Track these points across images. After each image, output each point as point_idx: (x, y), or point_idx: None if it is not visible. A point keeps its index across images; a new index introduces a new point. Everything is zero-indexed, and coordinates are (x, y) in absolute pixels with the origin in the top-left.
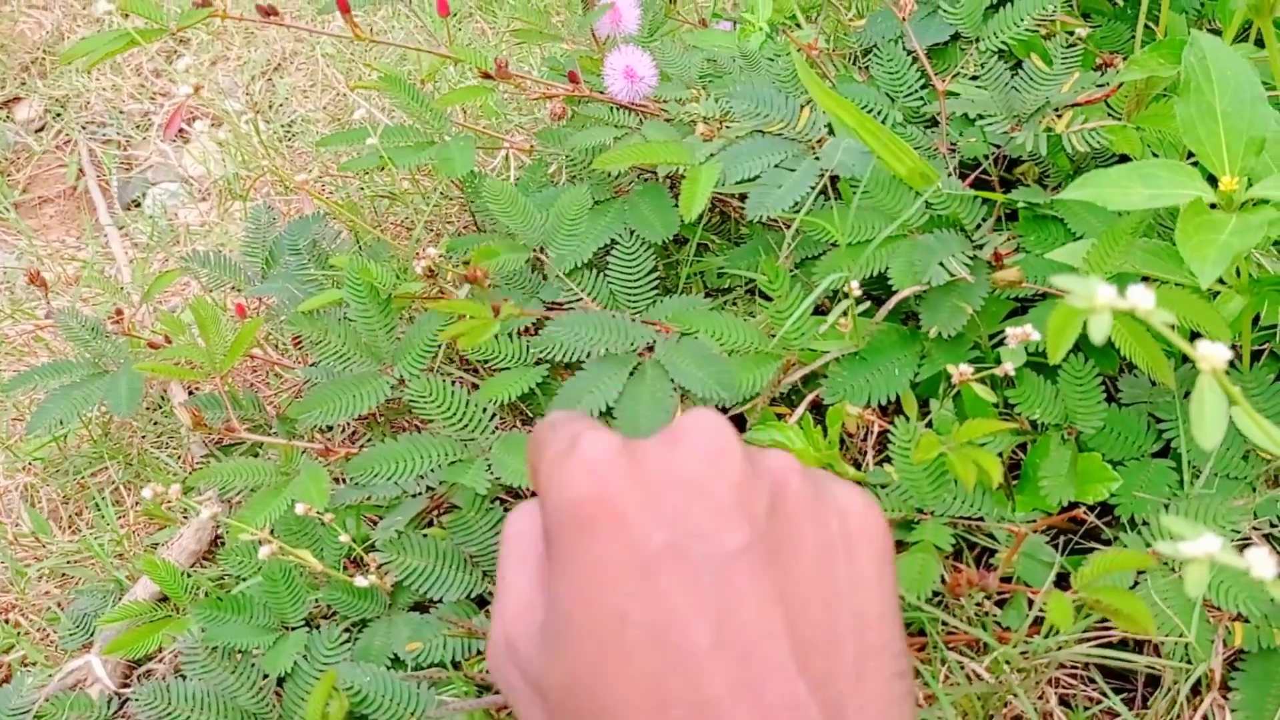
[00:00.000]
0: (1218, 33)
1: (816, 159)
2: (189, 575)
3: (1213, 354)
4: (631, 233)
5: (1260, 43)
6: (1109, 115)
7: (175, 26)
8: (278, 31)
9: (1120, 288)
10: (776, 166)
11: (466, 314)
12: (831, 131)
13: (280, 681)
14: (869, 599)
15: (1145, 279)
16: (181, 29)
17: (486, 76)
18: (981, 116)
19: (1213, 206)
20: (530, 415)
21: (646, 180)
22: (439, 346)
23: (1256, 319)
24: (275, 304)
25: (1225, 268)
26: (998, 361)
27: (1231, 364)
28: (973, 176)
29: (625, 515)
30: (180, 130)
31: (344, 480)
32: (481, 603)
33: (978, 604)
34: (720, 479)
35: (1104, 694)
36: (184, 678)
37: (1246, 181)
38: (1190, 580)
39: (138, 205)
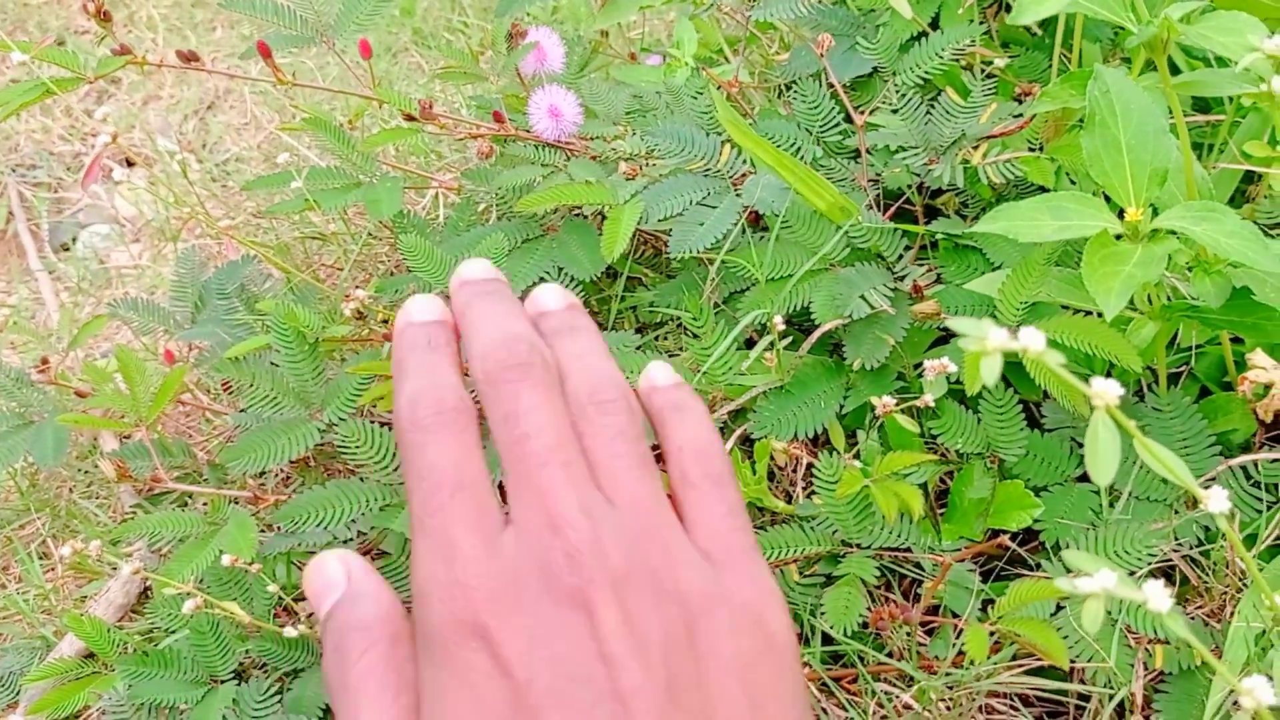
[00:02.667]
0: (1130, 60)
1: (738, 195)
2: (117, 630)
3: (1105, 391)
4: (560, 270)
5: (1176, 68)
6: (1028, 145)
7: (93, 75)
8: (210, 68)
9: (1034, 318)
10: (698, 204)
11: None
12: (753, 167)
13: None
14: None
15: (1064, 307)
16: (99, 77)
17: (410, 119)
18: (902, 149)
19: (1120, 238)
20: None
21: (575, 217)
22: (367, 389)
23: (1174, 341)
24: (205, 349)
25: (1127, 299)
26: (921, 391)
27: (1150, 387)
28: (894, 208)
29: (507, 660)
30: (109, 172)
31: (275, 528)
32: None
33: (907, 634)
34: (600, 612)
35: None
36: None
37: (1152, 212)
38: (1087, 616)
39: (68, 249)
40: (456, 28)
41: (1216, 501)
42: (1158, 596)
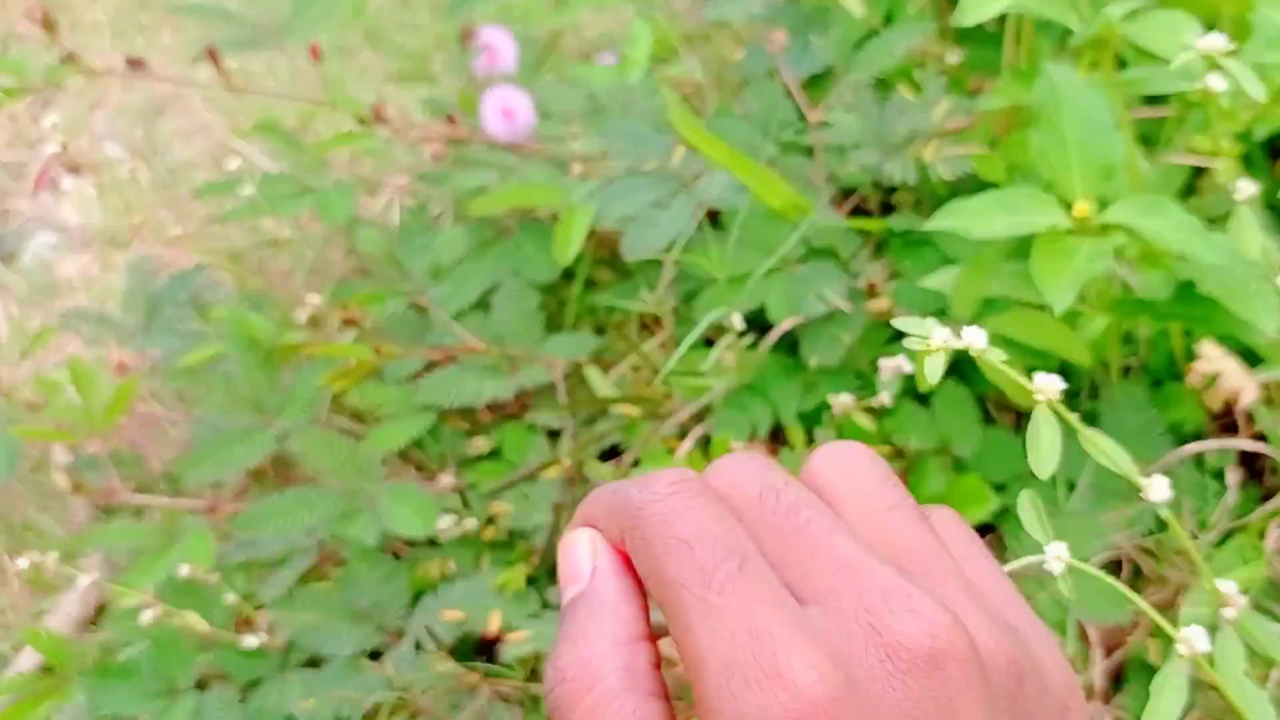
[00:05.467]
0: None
1: (691, 196)
2: (75, 643)
3: (1046, 386)
4: (515, 273)
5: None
6: (983, 141)
7: (40, 83)
8: (157, 74)
9: (988, 313)
10: (653, 205)
11: (349, 358)
12: (708, 166)
13: None
14: None
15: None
16: (47, 85)
17: (361, 122)
18: (856, 146)
19: (1070, 233)
20: (420, 461)
21: (530, 220)
22: (324, 396)
23: (1130, 336)
24: (158, 358)
25: (1075, 293)
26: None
27: (1102, 381)
28: (849, 204)
29: None
30: (54, 181)
31: (232, 538)
32: (376, 655)
33: None
34: (958, 688)
35: None
36: None
37: (1099, 207)
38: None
39: (15, 258)
40: (408, 28)
41: (1157, 491)
42: (1057, 557)
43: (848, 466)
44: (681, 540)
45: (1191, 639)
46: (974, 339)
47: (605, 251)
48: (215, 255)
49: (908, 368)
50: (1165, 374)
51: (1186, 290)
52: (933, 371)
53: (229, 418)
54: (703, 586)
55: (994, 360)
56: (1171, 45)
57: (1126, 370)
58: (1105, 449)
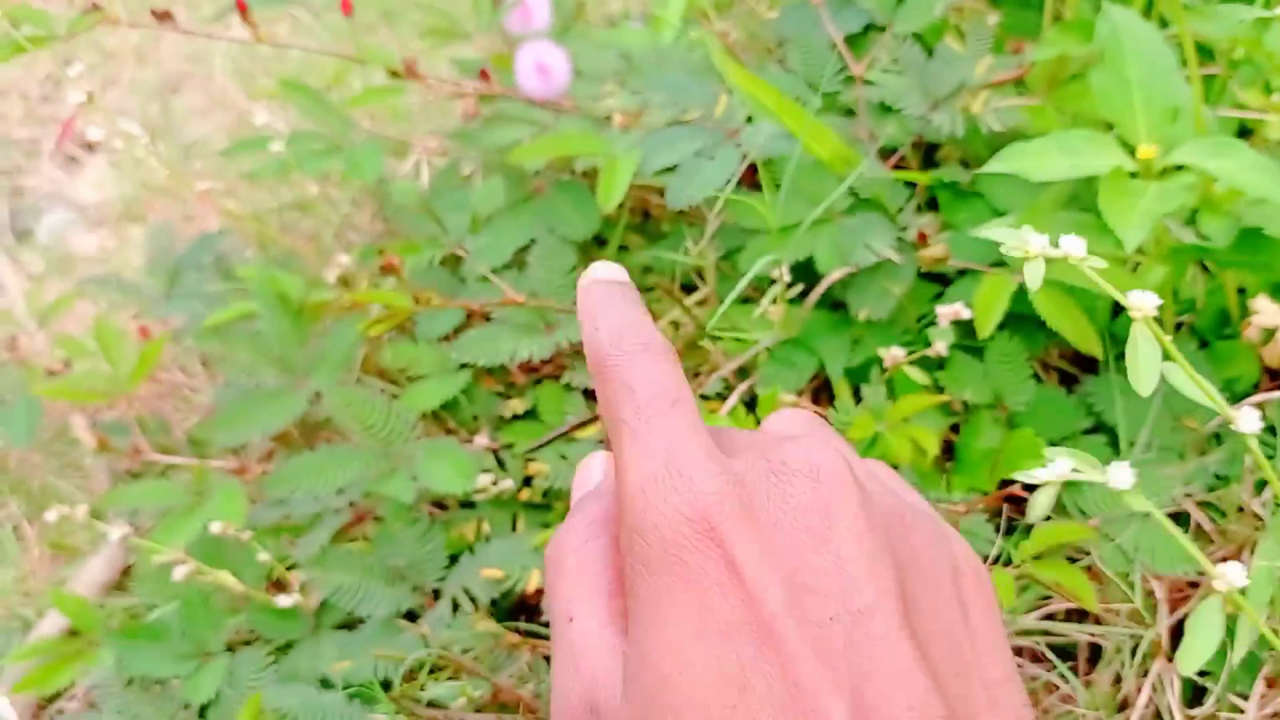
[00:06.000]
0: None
1: (737, 145)
2: (100, 607)
3: (1143, 303)
4: (551, 230)
5: (1164, 23)
6: (1023, 96)
7: (65, 33)
8: (171, 50)
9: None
10: (696, 155)
11: (385, 306)
12: (750, 119)
13: (203, 710)
14: (986, 640)
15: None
16: (72, 34)
17: (394, 75)
18: (900, 105)
19: (1133, 175)
20: (451, 426)
21: (564, 177)
22: (356, 356)
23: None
24: (181, 324)
25: (1148, 231)
26: (927, 344)
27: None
28: (893, 160)
29: (739, 566)
30: (81, 134)
31: (260, 501)
32: (411, 616)
33: None
34: (840, 525)
35: (1054, 665)
36: (100, 713)
37: (1164, 149)
38: (1040, 503)
39: (30, 235)
40: (423, 4)
41: (1247, 421)
42: (1119, 475)
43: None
44: (628, 386)
45: (1228, 574)
46: (1073, 247)
47: (638, 216)
48: (238, 219)
49: (965, 313)
50: (1215, 334)
51: (1251, 236)
52: (1034, 278)
53: (258, 378)
54: (637, 419)
55: (1092, 271)
56: None
57: (1178, 326)
58: (1193, 375)
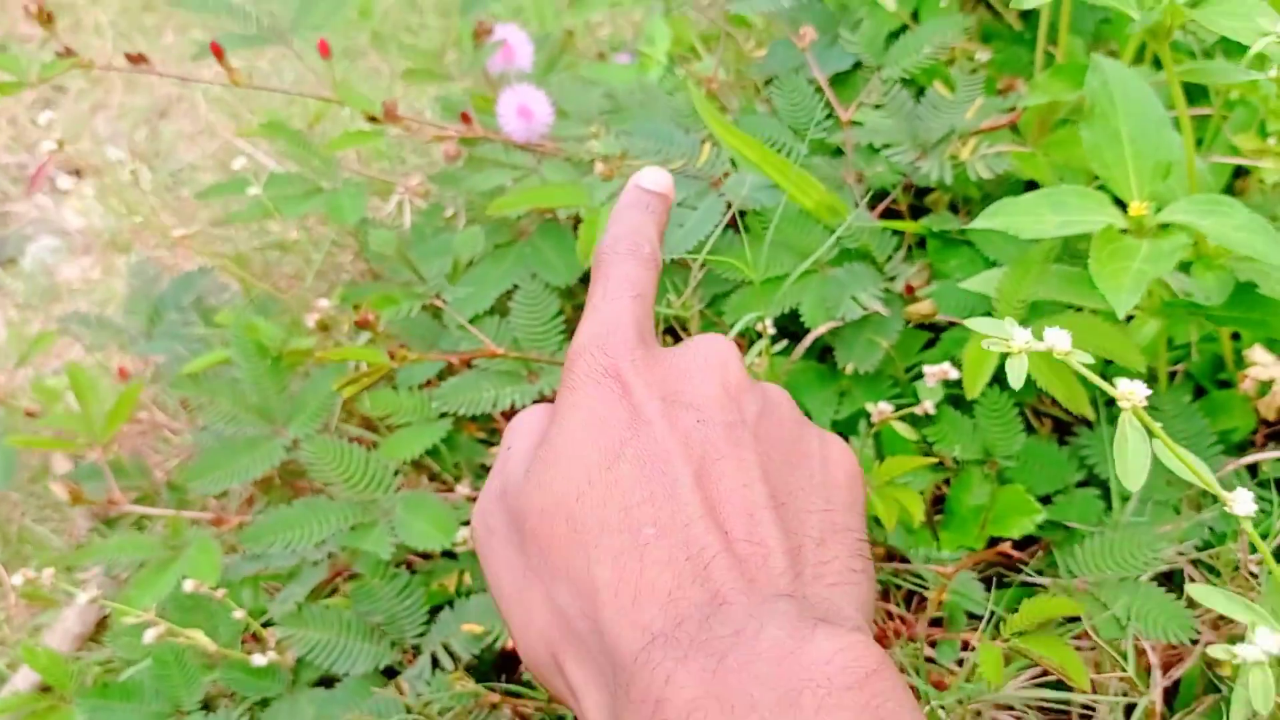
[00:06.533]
0: (1115, 54)
1: (720, 195)
2: (74, 660)
3: (1132, 391)
4: (534, 276)
5: (1158, 64)
6: (1014, 140)
7: (37, 79)
8: (160, 76)
9: (1034, 317)
10: (679, 205)
11: (361, 362)
12: (735, 166)
13: None
14: (838, 496)
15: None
16: (43, 81)
17: (373, 120)
18: (887, 145)
19: (1124, 233)
20: (435, 471)
21: (548, 221)
22: (335, 404)
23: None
24: (162, 364)
25: (1139, 296)
26: (915, 397)
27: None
28: (882, 206)
29: (630, 384)
30: (51, 181)
31: (239, 550)
32: (391, 673)
33: (915, 650)
34: (717, 377)
35: None
36: None
37: (1155, 206)
38: (1255, 693)
39: (15, 262)
40: (415, 29)
41: (1241, 504)
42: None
43: None
44: (607, 276)
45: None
46: (1058, 340)
47: None
48: (220, 258)
49: (953, 374)
50: (1210, 379)
51: (1245, 293)
52: (1016, 375)
53: (236, 426)
54: (602, 300)
55: (1078, 364)
56: (1245, 31)
57: (1172, 375)
58: (1185, 459)
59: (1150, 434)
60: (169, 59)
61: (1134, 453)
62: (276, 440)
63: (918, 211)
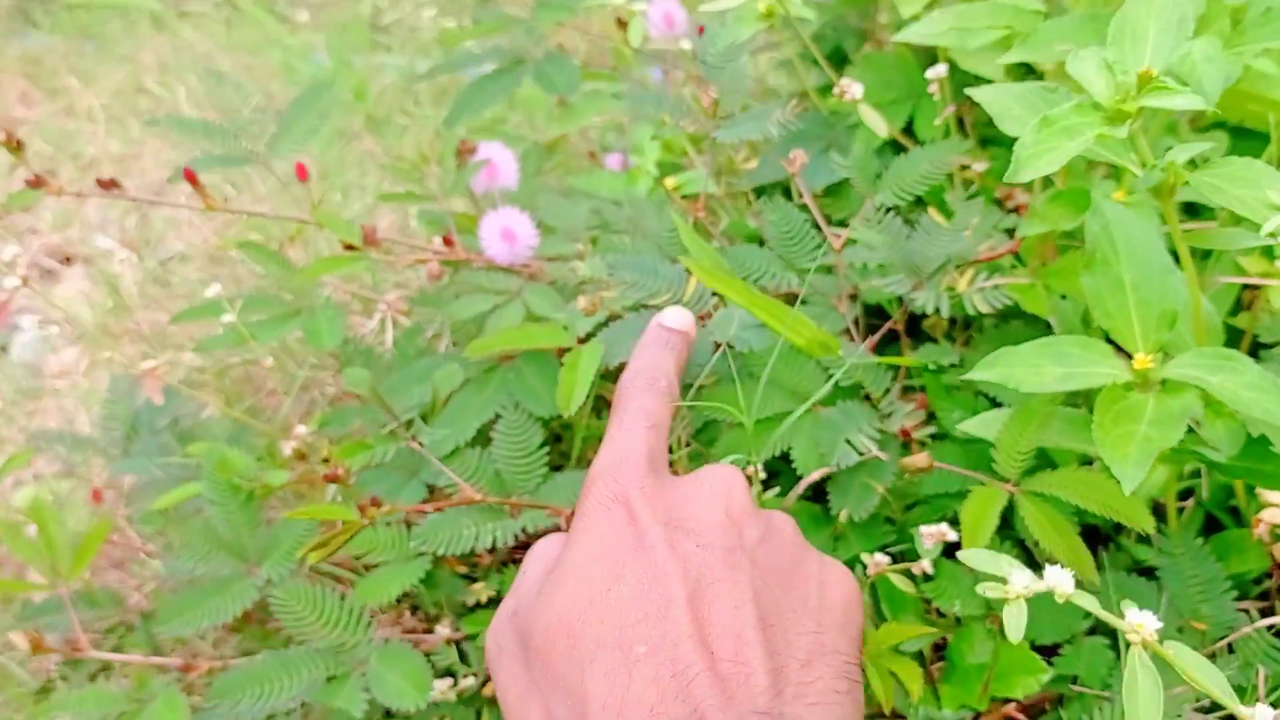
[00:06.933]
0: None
1: (708, 334)
2: None
3: (1141, 625)
4: (517, 405)
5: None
6: (1015, 262)
7: (2, 210)
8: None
9: (1037, 470)
10: None
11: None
12: (723, 299)
13: None
14: (830, 619)
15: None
16: (9, 211)
17: (350, 248)
18: (882, 268)
19: (1129, 387)
20: (416, 607)
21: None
22: (310, 540)
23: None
24: (138, 484)
25: (1147, 468)
26: (914, 540)
27: (1157, 528)
28: (878, 336)
29: (637, 510)
30: (14, 324)
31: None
32: None
33: None
34: (722, 506)
35: None
36: None
37: (1161, 356)
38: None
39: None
40: (410, 113)
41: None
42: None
43: None
44: (625, 408)
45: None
46: (1059, 581)
47: (604, 405)
48: (197, 381)
49: (951, 535)
50: (1222, 507)
51: (1258, 446)
52: (1014, 627)
53: (206, 565)
54: (619, 430)
55: (1087, 604)
56: (1252, 202)
57: (1180, 510)
58: (1204, 679)
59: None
60: (164, 144)
61: (1146, 698)
62: (249, 580)
63: (915, 324)
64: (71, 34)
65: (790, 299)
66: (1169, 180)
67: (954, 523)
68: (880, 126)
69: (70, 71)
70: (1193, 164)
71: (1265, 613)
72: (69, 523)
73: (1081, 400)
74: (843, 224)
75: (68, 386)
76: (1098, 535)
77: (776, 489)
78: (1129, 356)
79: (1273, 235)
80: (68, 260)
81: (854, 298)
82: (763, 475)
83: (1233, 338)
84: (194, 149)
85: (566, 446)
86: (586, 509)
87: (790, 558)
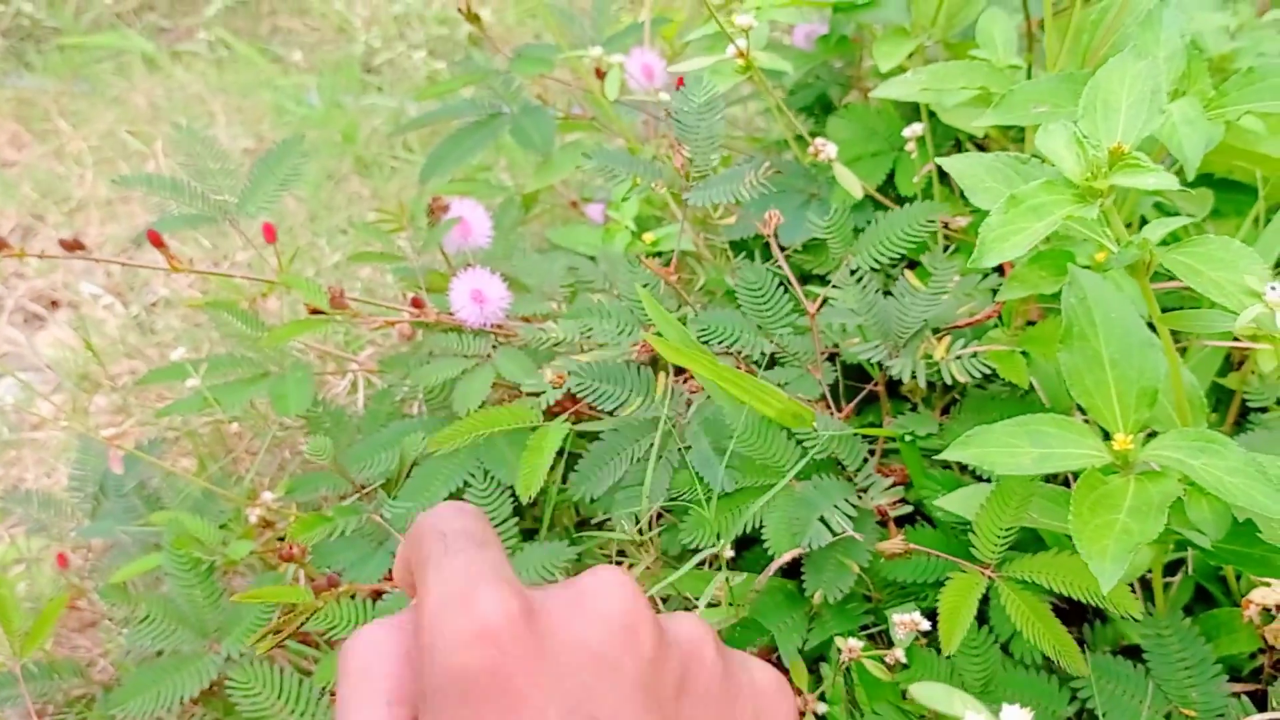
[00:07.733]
0: None
1: (681, 440)
2: None
3: None
4: (487, 474)
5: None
6: (997, 321)
7: None
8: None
9: (1019, 553)
10: (638, 462)
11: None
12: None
13: None
14: None
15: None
16: None
17: (316, 312)
18: (860, 330)
19: (1108, 470)
20: None
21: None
22: (271, 615)
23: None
24: (105, 548)
25: (1126, 564)
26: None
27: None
28: (855, 402)
29: (522, 694)
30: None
31: None
32: None
33: None
34: (629, 654)
35: None
36: None
37: (1143, 438)
38: None
39: None
40: (399, 155)
41: None
42: None
43: None
44: (441, 532)
45: None
46: None
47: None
48: (174, 430)
49: (924, 625)
50: (1212, 578)
51: (1245, 530)
52: None
53: (166, 640)
54: (441, 554)
55: None
56: (1229, 286)
57: (1166, 586)
58: None
59: None
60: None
61: None
62: (209, 657)
63: (896, 384)
64: (64, 75)
65: (770, 360)
66: (1144, 258)
67: (933, 614)
68: (855, 188)
69: (61, 114)
70: (1171, 238)
71: (1256, 696)
72: (36, 584)
73: (1063, 478)
74: (823, 281)
75: (45, 437)
76: (1082, 610)
77: (743, 575)
78: (1108, 435)
79: (1252, 326)
80: (54, 305)
81: (833, 358)
82: (730, 555)
83: (1221, 396)
84: (171, 202)
85: (540, 511)
86: (446, 687)
87: (717, 706)
